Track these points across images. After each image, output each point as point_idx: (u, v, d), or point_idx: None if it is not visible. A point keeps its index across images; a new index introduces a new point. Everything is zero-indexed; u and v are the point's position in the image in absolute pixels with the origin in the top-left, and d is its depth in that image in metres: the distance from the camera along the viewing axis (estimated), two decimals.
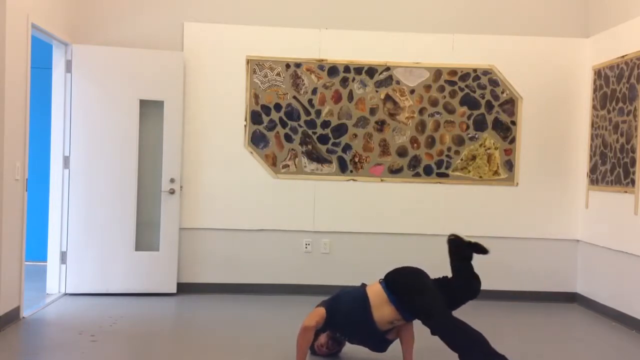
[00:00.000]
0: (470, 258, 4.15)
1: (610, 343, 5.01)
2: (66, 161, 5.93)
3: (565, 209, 6.33)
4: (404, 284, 4.04)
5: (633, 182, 5.33)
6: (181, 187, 6.12)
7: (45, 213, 5.96)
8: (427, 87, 6.27)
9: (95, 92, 5.91)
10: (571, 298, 6.32)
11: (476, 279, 4.12)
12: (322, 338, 4.23)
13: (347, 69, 6.25)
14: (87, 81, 5.91)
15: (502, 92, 6.29)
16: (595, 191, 6.00)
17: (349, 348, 4.32)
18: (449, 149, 6.29)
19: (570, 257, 6.34)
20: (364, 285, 4.20)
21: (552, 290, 6.35)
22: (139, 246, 6.03)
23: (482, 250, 4.14)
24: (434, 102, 6.28)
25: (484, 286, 4.23)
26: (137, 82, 5.97)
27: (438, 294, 4.02)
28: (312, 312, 4.05)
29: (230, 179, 6.21)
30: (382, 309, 3.99)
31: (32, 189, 5.32)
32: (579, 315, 5.90)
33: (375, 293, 4.04)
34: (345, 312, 4.02)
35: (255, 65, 6.21)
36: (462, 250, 4.16)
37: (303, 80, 6.23)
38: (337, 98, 6.25)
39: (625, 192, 5.44)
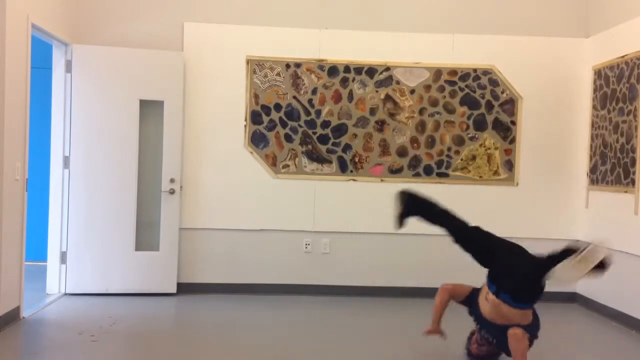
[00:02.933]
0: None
1: (610, 343, 5.00)
2: (66, 161, 5.93)
3: (565, 209, 6.32)
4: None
5: (633, 182, 5.33)
6: (181, 187, 6.12)
7: (45, 213, 5.96)
8: (427, 87, 6.27)
9: (95, 92, 5.91)
10: (571, 298, 6.31)
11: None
12: (477, 334, 4.17)
13: (347, 69, 6.25)
14: (87, 81, 5.90)
15: (502, 92, 6.29)
16: (595, 191, 5.99)
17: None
18: (449, 149, 6.29)
19: None
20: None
21: (552, 290, 6.33)
22: (139, 246, 6.03)
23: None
24: (434, 102, 6.28)
25: None
26: (137, 82, 5.97)
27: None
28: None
29: (230, 179, 6.21)
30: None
31: (32, 189, 5.32)
32: (579, 315, 5.89)
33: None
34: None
35: (255, 65, 6.21)
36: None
37: (303, 80, 6.23)
38: (337, 98, 6.25)
39: (626, 192, 5.44)
